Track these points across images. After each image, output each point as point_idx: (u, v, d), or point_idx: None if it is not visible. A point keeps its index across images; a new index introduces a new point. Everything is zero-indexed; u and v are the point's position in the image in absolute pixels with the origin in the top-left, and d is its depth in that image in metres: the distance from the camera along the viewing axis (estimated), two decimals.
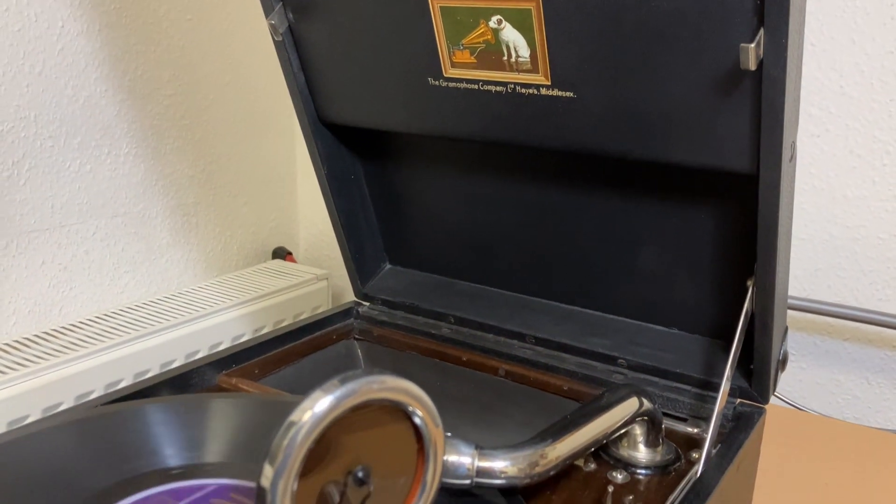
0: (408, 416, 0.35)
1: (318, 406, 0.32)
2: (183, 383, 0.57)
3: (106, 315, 0.93)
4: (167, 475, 0.43)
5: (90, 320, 0.91)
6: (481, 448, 0.43)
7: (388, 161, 0.69)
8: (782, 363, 0.58)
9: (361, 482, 0.34)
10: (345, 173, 0.69)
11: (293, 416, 0.33)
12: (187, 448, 0.46)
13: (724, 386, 0.52)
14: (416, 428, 0.36)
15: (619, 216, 0.60)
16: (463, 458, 0.43)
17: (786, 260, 0.55)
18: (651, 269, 0.61)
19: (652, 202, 0.58)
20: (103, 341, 0.85)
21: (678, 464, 0.52)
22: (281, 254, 1.19)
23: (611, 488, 0.47)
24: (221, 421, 0.50)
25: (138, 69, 0.96)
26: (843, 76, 0.82)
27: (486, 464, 0.43)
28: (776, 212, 0.49)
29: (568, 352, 0.63)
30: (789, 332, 0.89)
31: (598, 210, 0.61)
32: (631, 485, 0.50)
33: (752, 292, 0.53)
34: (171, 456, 0.45)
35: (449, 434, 0.42)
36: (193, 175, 1.06)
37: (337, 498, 0.34)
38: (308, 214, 1.24)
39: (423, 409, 0.35)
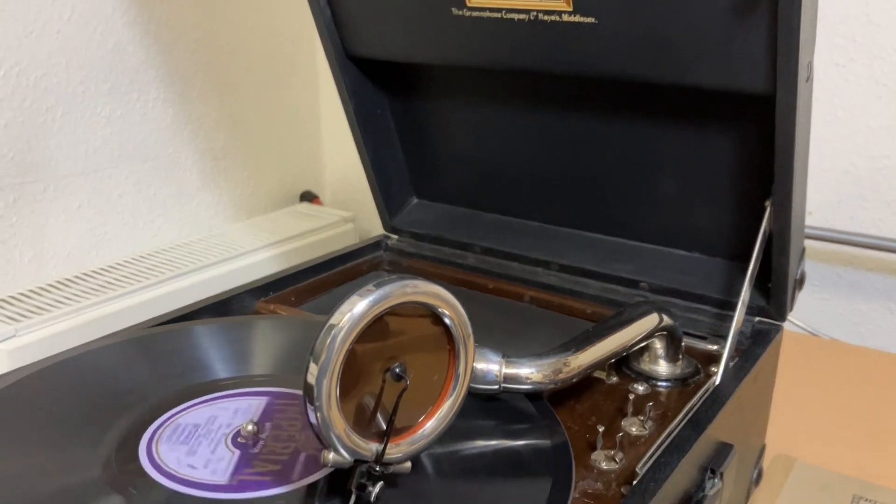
0: (439, 319, 0.38)
1: (357, 308, 0.35)
2: (224, 309, 0.60)
3: (141, 257, 0.96)
4: (218, 385, 0.46)
5: (126, 262, 0.95)
6: (508, 356, 0.46)
7: (414, 95, 0.70)
8: (800, 283, 0.59)
9: (399, 377, 0.36)
10: (371, 108, 0.70)
11: (333, 319, 0.35)
12: (235, 363, 0.49)
13: (742, 301, 0.54)
14: (447, 329, 0.38)
15: (640, 143, 0.61)
16: (491, 366, 0.45)
17: (803, 180, 0.56)
18: (672, 195, 0.62)
19: (672, 128, 0.60)
20: (140, 281, 0.89)
21: (697, 377, 0.54)
22: (308, 197, 1.22)
23: (632, 397, 0.49)
24: (265, 339, 0.53)
25: (163, 14, 0.97)
26: (870, 4, 0.81)
27: (512, 371, 0.45)
28: (793, 131, 0.50)
29: (591, 277, 0.65)
30: (812, 263, 0.91)
31: (619, 137, 0.62)
32: (651, 395, 0.52)
33: (770, 212, 0.55)
34: (221, 370, 0.48)
35: (477, 344, 0.45)
36: (220, 119, 1.07)
37: (376, 392, 0.36)
38: (333, 158, 1.26)
39: (452, 311, 0.38)
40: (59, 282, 0.88)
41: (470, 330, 0.39)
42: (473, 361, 0.44)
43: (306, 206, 1.18)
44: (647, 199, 0.63)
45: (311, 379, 0.35)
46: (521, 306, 0.66)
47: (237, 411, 0.44)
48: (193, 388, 0.46)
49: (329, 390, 0.34)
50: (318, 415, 0.34)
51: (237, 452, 0.40)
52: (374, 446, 0.36)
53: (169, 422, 0.42)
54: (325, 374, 0.34)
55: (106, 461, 0.39)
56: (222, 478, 0.38)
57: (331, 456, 0.35)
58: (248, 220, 1.11)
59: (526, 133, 0.66)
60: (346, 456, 0.35)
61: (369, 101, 0.70)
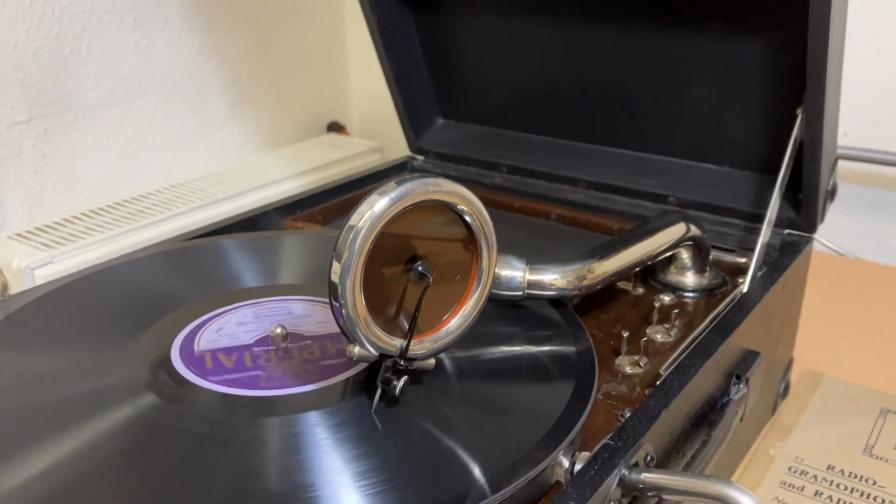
0: (461, 219, 0.38)
1: (377, 206, 0.35)
2: (252, 226, 0.60)
3: (172, 186, 0.97)
4: (247, 294, 0.47)
5: (157, 191, 0.96)
6: (532, 263, 0.46)
7: (438, 9, 0.69)
8: (831, 194, 0.58)
9: (422, 275, 0.37)
10: (395, 24, 0.69)
11: (353, 219, 0.35)
12: (263, 273, 0.50)
13: (771, 210, 0.53)
14: (469, 229, 0.38)
15: (668, 53, 0.60)
16: (515, 273, 0.45)
17: (836, 86, 0.55)
18: (702, 107, 0.61)
19: (701, 36, 0.58)
20: (170, 210, 0.90)
21: (724, 288, 0.54)
22: (335, 127, 1.22)
23: (657, 305, 0.49)
24: (292, 252, 0.54)
25: None
26: None
27: (536, 277, 0.45)
28: (826, 29, 0.48)
29: (619, 193, 0.65)
30: (847, 185, 0.89)
31: (647, 49, 0.61)
32: (678, 305, 0.52)
33: (802, 119, 0.54)
34: (250, 279, 0.49)
35: (501, 252, 0.45)
36: (246, 49, 1.07)
37: (400, 291, 0.37)
38: (360, 88, 1.25)
39: (473, 209, 0.37)
40: (92, 210, 0.90)
41: (492, 227, 0.39)
42: (497, 266, 0.44)
43: (333, 137, 1.18)
44: (677, 112, 0.62)
45: (335, 277, 0.35)
46: (547, 224, 0.66)
47: (266, 317, 0.44)
48: (223, 297, 0.47)
49: (353, 288, 0.35)
50: (344, 312, 0.35)
51: (268, 354, 0.41)
52: (399, 342, 0.37)
53: (200, 327, 0.43)
54: (348, 273, 0.35)
55: (139, 363, 0.40)
56: (256, 376, 0.39)
57: (356, 350, 0.35)
58: (276, 151, 1.12)
59: (552, 47, 0.65)
60: (372, 350, 0.36)
61: (393, 17, 0.69)
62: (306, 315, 0.45)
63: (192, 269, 0.50)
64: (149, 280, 0.49)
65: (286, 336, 0.42)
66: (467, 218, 0.37)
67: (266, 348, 0.41)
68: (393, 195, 0.35)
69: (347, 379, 0.39)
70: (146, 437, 0.35)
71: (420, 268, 0.37)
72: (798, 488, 0.52)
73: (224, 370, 0.39)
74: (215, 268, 0.50)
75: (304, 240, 0.56)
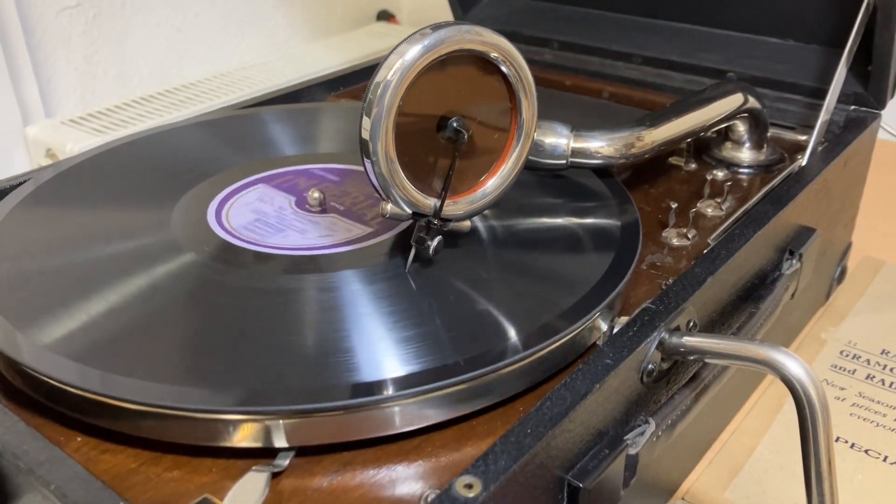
0: (500, 73, 0.36)
1: (408, 55, 0.33)
2: (295, 100, 0.59)
3: (221, 74, 0.97)
4: (286, 161, 0.47)
5: (206, 79, 0.95)
6: (577, 130, 0.44)
7: None
8: None
9: (457, 132, 0.35)
10: None
11: (381, 71, 0.34)
12: (302, 142, 0.49)
13: (836, 80, 0.50)
14: (507, 83, 0.36)
15: None
16: (560, 140, 0.43)
17: None
18: None
19: None
20: (220, 98, 0.89)
21: (782, 164, 0.51)
22: (385, 16, 1.19)
23: (709, 178, 0.47)
24: (332, 124, 0.53)
25: None
26: None
27: (581, 144, 0.43)
28: None
29: (675, 69, 0.62)
30: None
31: None
32: (732, 180, 0.49)
33: None
34: (289, 147, 0.48)
35: (544, 119, 0.43)
36: None
37: (434, 149, 0.36)
38: None
39: (511, 59, 0.36)
40: (143, 98, 0.90)
41: (531, 79, 0.37)
42: (540, 133, 0.42)
43: (383, 26, 1.15)
44: None
45: (366, 134, 0.34)
46: (599, 103, 0.63)
47: (303, 184, 0.44)
48: (263, 162, 0.46)
49: (384, 143, 0.34)
50: (375, 168, 0.34)
51: (304, 217, 0.41)
52: (433, 202, 0.36)
53: (239, 192, 0.43)
54: (378, 127, 0.33)
55: (178, 224, 0.40)
56: (294, 238, 0.39)
57: (389, 207, 0.35)
58: (325, 41, 1.09)
59: None
60: (405, 208, 0.35)
61: None
62: (335, 182, 0.44)
63: (233, 136, 0.50)
64: (191, 146, 0.49)
65: (322, 200, 0.41)
66: (504, 68, 0.36)
67: (301, 212, 0.41)
68: (426, 42, 0.33)
69: (384, 240, 0.38)
70: (188, 291, 0.35)
71: (455, 124, 0.35)
72: (849, 371, 0.51)
73: (262, 232, 0.39)
74: (256, 136, 0.50)
75: (344, 112, 0.55)
